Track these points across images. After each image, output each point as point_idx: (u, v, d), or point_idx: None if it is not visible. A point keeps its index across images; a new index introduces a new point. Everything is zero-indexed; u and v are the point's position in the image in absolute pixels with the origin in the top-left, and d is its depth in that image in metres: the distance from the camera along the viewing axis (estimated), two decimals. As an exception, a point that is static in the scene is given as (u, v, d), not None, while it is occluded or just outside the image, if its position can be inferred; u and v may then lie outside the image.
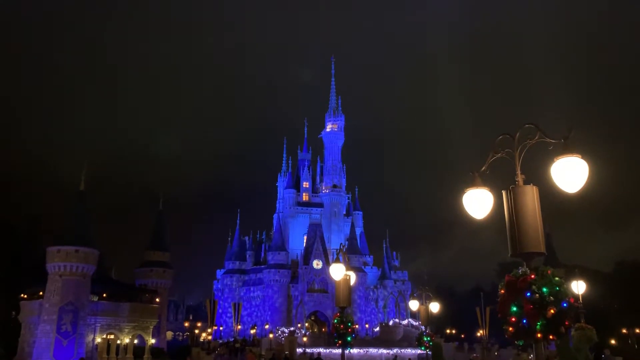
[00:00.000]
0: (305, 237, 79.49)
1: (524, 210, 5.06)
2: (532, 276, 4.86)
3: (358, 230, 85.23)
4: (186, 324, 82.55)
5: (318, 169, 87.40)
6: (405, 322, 71.15)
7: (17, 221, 61.74)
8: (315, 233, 76.39)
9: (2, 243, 54.45)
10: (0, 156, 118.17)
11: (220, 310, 71.25)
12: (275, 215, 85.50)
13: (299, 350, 48.51)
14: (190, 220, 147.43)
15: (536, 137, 5.36)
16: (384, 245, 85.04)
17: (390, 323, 72.10)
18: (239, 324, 59.18)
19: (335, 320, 13.60)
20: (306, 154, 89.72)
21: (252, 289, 77.44)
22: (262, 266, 77.49)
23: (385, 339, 65.27)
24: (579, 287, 16.32)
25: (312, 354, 46.04)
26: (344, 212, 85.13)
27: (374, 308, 78.96)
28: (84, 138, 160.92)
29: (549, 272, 4.90)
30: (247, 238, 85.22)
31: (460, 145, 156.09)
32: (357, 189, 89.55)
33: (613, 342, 58.87)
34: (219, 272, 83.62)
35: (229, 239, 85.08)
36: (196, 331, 79.13)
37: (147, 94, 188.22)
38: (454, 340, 67.70)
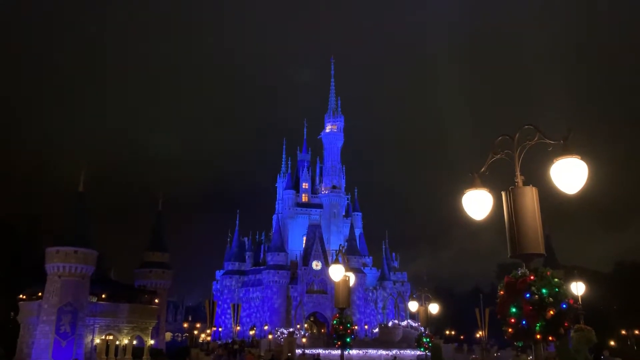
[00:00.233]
0: (304, 238, 79.45)
1: (524, 211, 5.06)
2: (532, 277, 4.86)
3: (357, 231, 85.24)
4: (185, 325, 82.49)
5: (317, 170, 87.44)
6: (404, 323, 71.18)
7: (17, 221, 61.72)
8: (315, 234, 76.36)
9: (2, 243, 54.41)
10: (0, 156, 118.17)
11: (219, 311, 71.17)
12: (274, 216, 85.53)
13: (298, 351, 48.50)
14: (190, 221, 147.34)
15: (535, 138, 5.36)
16: (384, 246, 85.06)
17: (390, 324, 72.11)
18: (238, 325, 59.15)
19: (335, 322, 13.59)
20: (306, 154, 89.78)
21: (251, 289, 77.40)
22: (262, 267, 77.47)
23: (384, 340, 65.29)
24: (578, 288, 16.32)
25: (311, 355, 46.02)
26: (344, 213, 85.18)
27: (373, 309, 78.93)
28: (84, 138, 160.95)
29: (548, 273, 4.89)
30: (246, 239, 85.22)
31: (460, 146, 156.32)
32: (356, 190, 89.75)
33: (612, 343, 58.95)
34: (218, 273, 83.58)
35: (228, 239, 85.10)
36: (195, 332, 79.08)
37: (147, 94, 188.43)
38: (453, 342, 67.75)
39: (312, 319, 75.77)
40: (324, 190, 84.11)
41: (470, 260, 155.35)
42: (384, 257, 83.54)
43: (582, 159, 4.95)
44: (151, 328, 49.13)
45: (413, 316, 62.85)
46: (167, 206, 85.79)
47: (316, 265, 74.02)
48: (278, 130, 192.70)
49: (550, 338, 4.77)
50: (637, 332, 60.36)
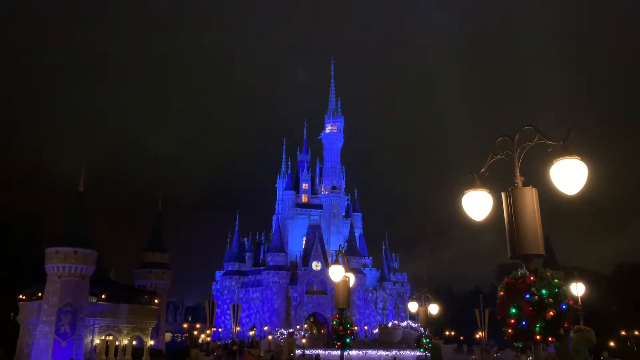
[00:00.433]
0: (304, 239, 79.44)
1: (523, 212, 5.06)
2: (532, 278, 4.86)
3: (357, 232, 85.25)
4: (185, 326, 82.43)
5: (317, 171, 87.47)
6: (404, 323, 71.20)
7: (17, 222, 61.70)
8: (315, 234, 76.35)
9: (2, 243, 54.40)
10: (0, 156, 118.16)
11: (219, 312, 71.16)
12: (274, 217, 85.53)
13: (298, 351, 48.46)
14: (190, 221, 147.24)
15: (535, 139, 5.36)
16: (383, 247, 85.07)
17: (389, 325, 72.10)
18: (238, 326, 59.15)
19: (334, 322, 13.58)
20: (305, 155, 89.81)
21: (251, 290, 77.40)
22: (261, 267, 77.49)
23: (384, 340, 65.28)
24: (578, 288, 16.31)
25: (311, 355, 46.01)
26: (343, 214, 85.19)
27: (373, 310, 78.94)
28: (84, 138, 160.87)
29: (548, 273, 4.89)
30: (246, 239, 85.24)
31: (460, 147, 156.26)
32: (356, 191, 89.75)
33: (612, 344, 58.94)
34: (218, 274, 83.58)
35: (228, 240, 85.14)
36: (195, 333, 79.02)
37: (147, 94, 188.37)
38: (453, 342, 67.73)
39: (311, 320, 75.76)
40: (323, 191, 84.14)
41: (470, 260, 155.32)
42: (383, 258, 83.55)
43: (581, 159, 4.95)
44: (151, 328, 49.11)
45: (413, 317, 62.84)
46: (167, 206, 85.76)
47: (316, 265, 74.01)
48: (278, 131, 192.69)
49: (550, 339, 4.78)
50: (636, 332, 60.32)
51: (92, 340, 44.71)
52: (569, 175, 4.94)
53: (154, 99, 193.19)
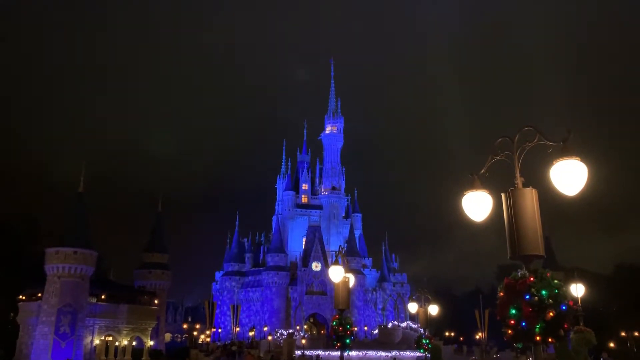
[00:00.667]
0: (304, 239, 79.44)
1: (523, 212, 5.06)
2: (531, 279, 4.85)
3: (357, 233, 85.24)
4: (185, 326, 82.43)
5: (317, 171, 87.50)
6: (404, 324, 71.16)
7: (17, 222, 61.63)
8: (314, 235, 76.35)
9: (2, 244, 54.35)
10: (0, 156, 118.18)
11: (219, 312, 71.16)
12: (274, 217, 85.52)
13: (298, 352, 48.46)
14: (190, 221, 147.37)
15: (535, 140, 5.36)
16: (383, 248, 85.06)
17: (389, 325, 72.06)
18: (238, 326, 59.12)
19: (334, 323, 13.57)
20: (305, 155, 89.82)
21: (250, 291, 77.39)
22: (261, 268, 77.48)
23: (384, 341, 65.26)
24: (578, 289, 16.30)
25: (310, 356, 46.01)
26: (343, 214, 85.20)
27: (373, 310, 78.93)
28: (84, 138, 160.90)
29: (548, 274, 4.89)
30: (246, 240, 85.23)
31: (460, 147, 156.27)
32: (356, 191, 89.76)
33: (612, 345, 58.87)
34: (218, 274, 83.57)
35: (228, 240, 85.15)
36: (195, 333, 79.00)
37: (147, 94, 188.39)
38: (452, 343, 67.72)
39: (311, 320, 75.76)
40: (323, 192, 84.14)
41: (470, 261, 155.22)
42: (383, 259, 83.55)
43: (581, 160, 4.95)
44: (150, 329, 49.10)
45: (412, 317, 62.80)
46: (166, 207, 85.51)
47: (316, 266, 74.01)
48: (278, 131, 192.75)
49: (549, 340, 4.77)
50: (636, 333, 60.23)
51: (91, 341, 44.71)
52: (569, 176, 4.93)
53: (154, 99, 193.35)
